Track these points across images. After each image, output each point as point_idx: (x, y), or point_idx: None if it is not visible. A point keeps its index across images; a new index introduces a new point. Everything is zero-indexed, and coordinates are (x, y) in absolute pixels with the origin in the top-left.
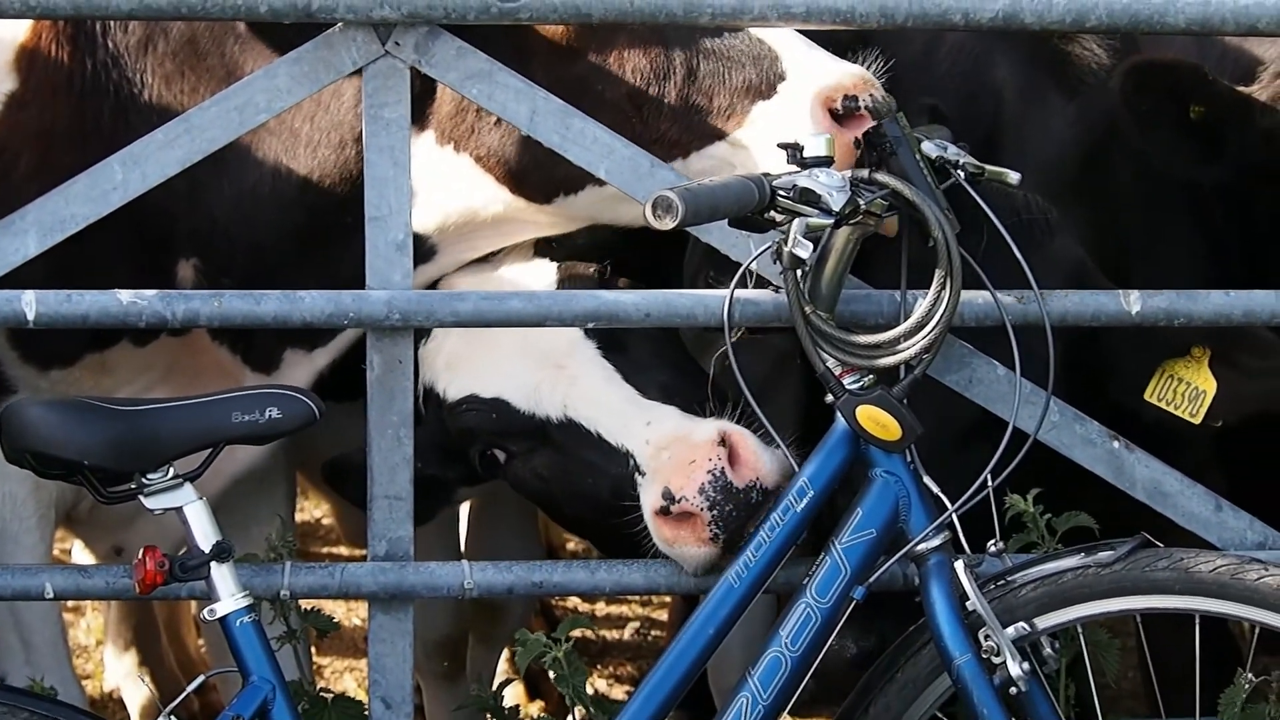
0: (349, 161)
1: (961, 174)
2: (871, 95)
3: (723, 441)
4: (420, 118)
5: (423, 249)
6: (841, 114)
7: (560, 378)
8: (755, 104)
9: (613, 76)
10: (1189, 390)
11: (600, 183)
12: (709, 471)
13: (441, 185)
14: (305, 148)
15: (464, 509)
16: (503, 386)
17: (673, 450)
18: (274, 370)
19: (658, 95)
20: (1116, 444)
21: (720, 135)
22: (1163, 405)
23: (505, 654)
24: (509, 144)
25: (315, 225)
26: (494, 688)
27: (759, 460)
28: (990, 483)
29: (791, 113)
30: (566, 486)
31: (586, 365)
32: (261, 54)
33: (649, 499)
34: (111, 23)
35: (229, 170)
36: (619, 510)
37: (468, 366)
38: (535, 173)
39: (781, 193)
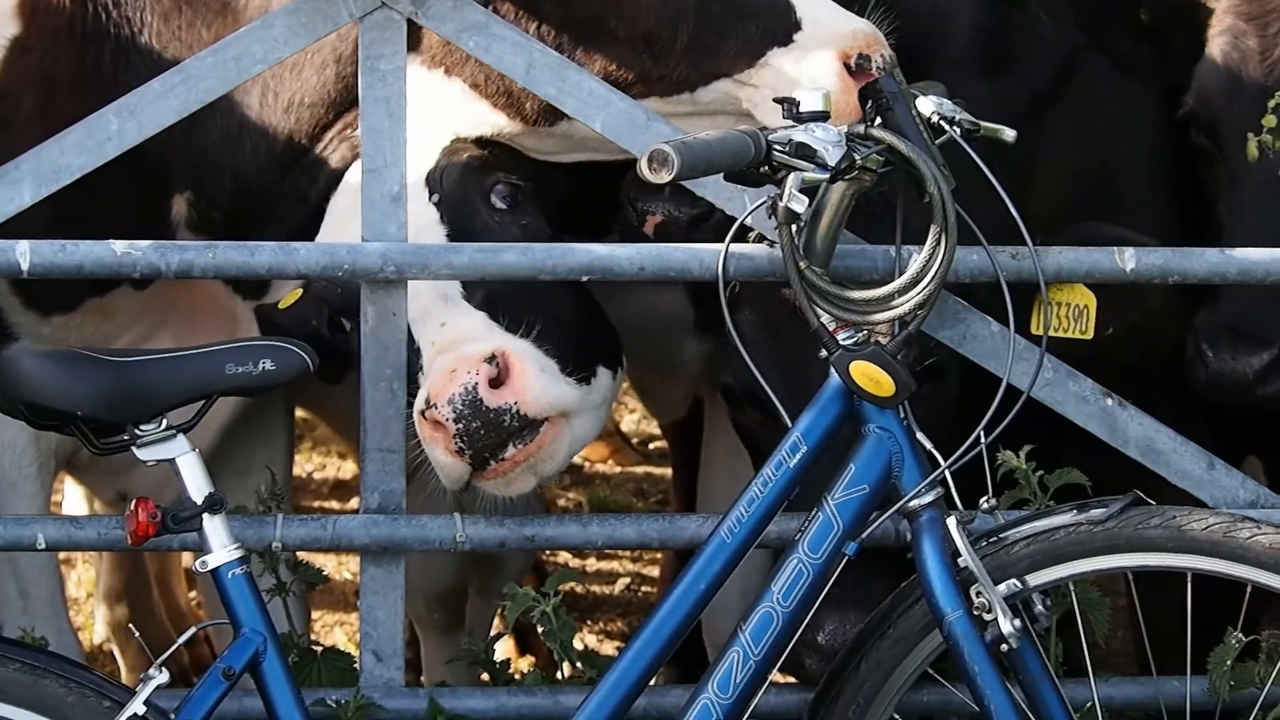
0: (328, 83)
1: (957, 130)
2: (882, 55)
3: (492, 359)
4: (410, 45)
5: None
6: (854, 70)
7: None
8: (770, 49)
9: (627, 15)
10: (1070, 310)
11: (660, 96)
12: (463, 385)
13: (427, 111)
14: (290, 70)
15: None
16: None
17: (444, 356)
18: (264, 294)
19: (670, 35)
20: (1110, 401)
21: (729, 75)
22: (1053, 333)
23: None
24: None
25: (296, 150)
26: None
27: (525, 385)
28: (983, 439)
29: (807, 62)
30: None
31: None
32: None
33: (418, 398)
34: None
35: (219, 100)
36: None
37: (339, 235)
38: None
39: (777, 147)
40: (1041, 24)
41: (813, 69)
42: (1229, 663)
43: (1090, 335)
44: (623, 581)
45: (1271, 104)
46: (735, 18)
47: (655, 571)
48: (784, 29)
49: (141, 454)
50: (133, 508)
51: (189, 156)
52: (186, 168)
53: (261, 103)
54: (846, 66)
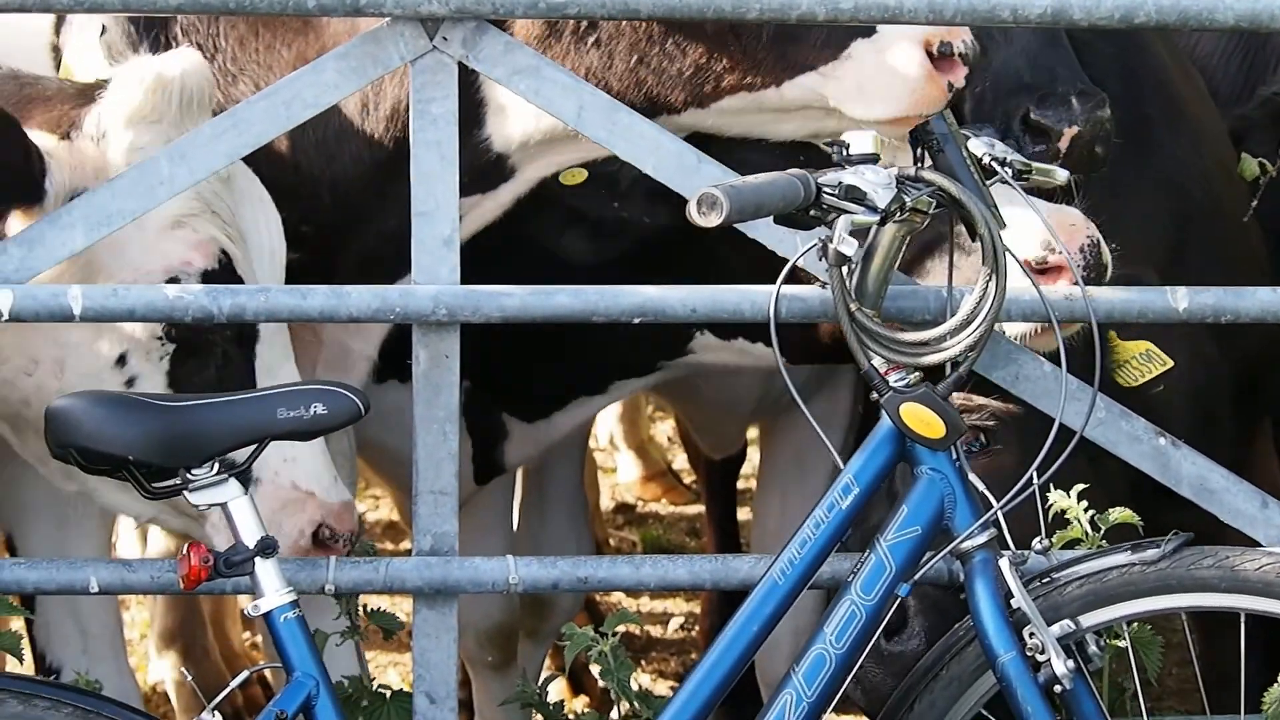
0: None
1: (1008, 171)
2: (965, 41)
3: None
4: None
5: (504, 169)
6: (937, 57)
7: None
8: (854, 40)
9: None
10: (1139, 358)
11: (748, 90)
12: None
13: (525, 105)
14: (390, 77)
15: (515, 504)
16: None
17: None
18: None
19: (755, 24)
20: (1163, 440)
21: (813, 67)
22: (1138, 382)
23: (550, 649)
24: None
25: (399, 158)
26: (539, 683)
27: None
28: (1036, 480)
29: (891, 50)
30: None
31: None
32: None
33: None
34: None
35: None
36: None
37: None
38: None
39: (827, 190)
40: None
41: (896, 58)
42: None
43: (1171, 363)
44: (676, 621)
45: None
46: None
47: None
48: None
49: (193, 498)
50: (185, 552)
51: (278, 173)
52: (273, 184)
53: (361, 112)
54: (929, 54)
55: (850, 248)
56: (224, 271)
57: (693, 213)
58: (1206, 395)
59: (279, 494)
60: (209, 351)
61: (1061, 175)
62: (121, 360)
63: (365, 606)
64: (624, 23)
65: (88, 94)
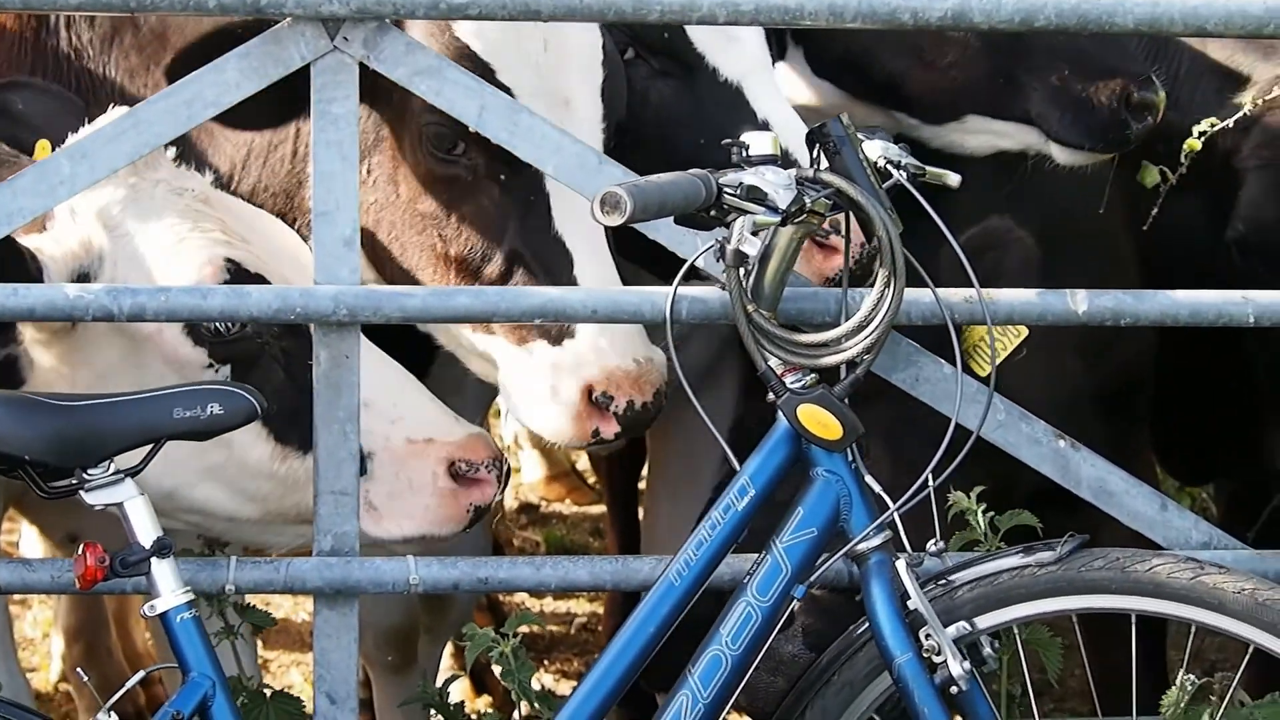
0: None
1: (903, 175)
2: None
3: None
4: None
5: None
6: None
7: None
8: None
9: None
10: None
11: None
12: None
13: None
14: None
15: None
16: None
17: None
18: None
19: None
20: (1062, 443)
21: None
22: (1004, 354)
23: (450, 649)
24: None
25: None
26: (439, 682)
27: None
28: (931, 482)
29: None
30: None
31: None
32: None
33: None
34: (77, 15)
35: None
36: None
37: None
38: None
39: (728, 190)
40: None
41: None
42: (1182, 705)
43: (1027, 330)
44: (579, 621)
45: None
46: None
47: None
48: None
49: (89, 498)
50: (81, 552)
51: None
52: None
53: None
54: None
55: (753, 247)
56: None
57: (596, 212)
58: (1069, 408)
59: (396, 455)
60: (261, 357)
61: (954, 179)
62: None
63: (237, 604)
64: None
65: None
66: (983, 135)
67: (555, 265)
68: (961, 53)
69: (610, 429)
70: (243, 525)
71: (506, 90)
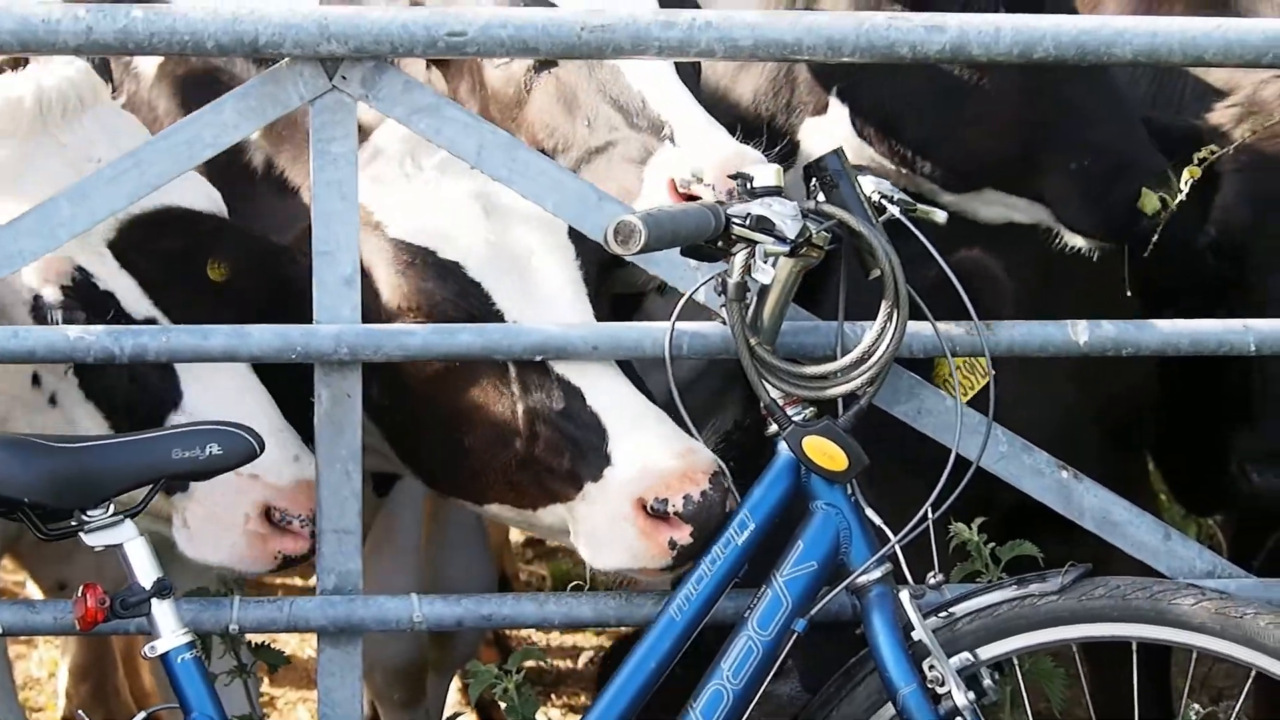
0: None
1: (897, 209)
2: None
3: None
4: None
5: None
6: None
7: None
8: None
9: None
10: (964, 366)
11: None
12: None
13: None
14: None
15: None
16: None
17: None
18: None
19: None
20: (1065, 474)
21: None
22: (965, 392)
23: (457, 683)
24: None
25: None
26: (445, 718)
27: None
28: (931, 514)
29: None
30: None
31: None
32: None
33: None
34: None
35: None
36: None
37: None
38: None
39: (736, 220)
40: None
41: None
42: None
43: (992, 373)
44: (586, 655)
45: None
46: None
47: None
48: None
49: (89, 539)
50: (80, 593)
51: None
52: None
53: None
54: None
55: (766, 275)
56: (83, 286)
57: (610, 241)
58: (1066, 440)
59: (219, 483)
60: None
61: (940, 216)
62: None
63: (251, 643)
64: None
65: None
66: (997, 207)
67: None
68: (990, 129)
69: (682, 534)
70: None
71: None
